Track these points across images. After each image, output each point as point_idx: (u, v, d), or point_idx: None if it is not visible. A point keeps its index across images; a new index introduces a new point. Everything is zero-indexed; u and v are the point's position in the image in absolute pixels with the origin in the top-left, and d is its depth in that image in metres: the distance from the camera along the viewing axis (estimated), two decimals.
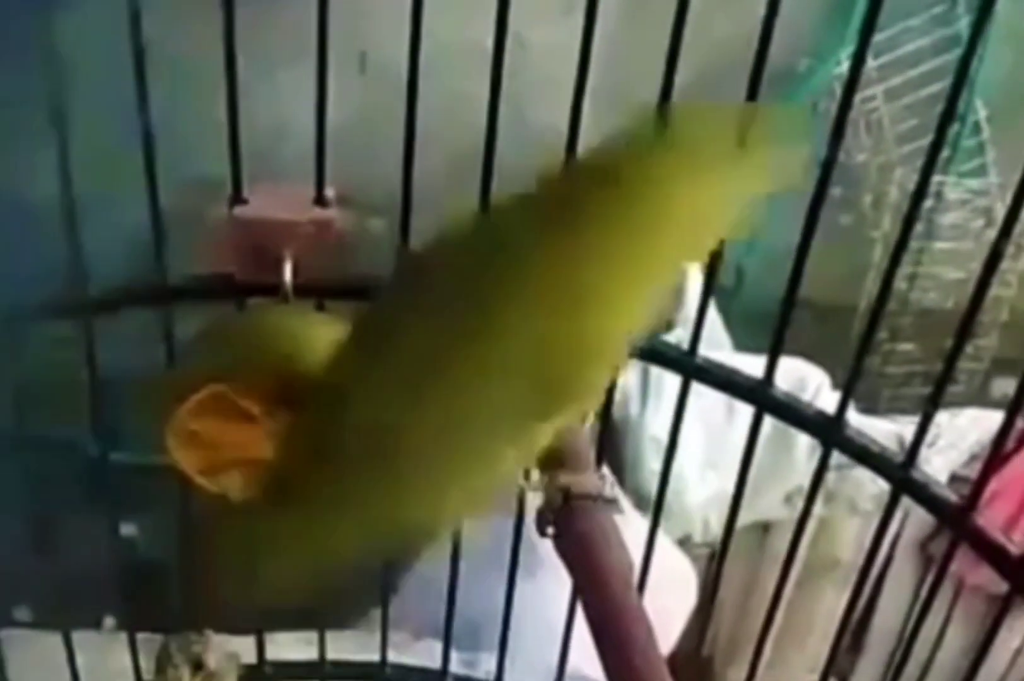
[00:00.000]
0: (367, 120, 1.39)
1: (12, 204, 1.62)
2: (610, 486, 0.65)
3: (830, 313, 1.63)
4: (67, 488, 0.92)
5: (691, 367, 0.81)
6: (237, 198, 0.80)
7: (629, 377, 1.40)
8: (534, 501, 0.66)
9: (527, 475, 0.64)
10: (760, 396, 0.80)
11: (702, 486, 1.48)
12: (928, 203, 1.73)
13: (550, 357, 0.54)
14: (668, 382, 0.91)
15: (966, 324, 0.72)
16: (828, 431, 0.79)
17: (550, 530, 0.65)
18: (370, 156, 1.33)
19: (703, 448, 1.49)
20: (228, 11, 0.73)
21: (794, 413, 0.80)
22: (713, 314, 1.43)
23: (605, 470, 0.71)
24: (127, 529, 1.08)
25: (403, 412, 0.54)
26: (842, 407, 0.78)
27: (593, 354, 0.55)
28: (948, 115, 0.69)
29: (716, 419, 1.47)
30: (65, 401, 1.00)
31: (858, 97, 1.59)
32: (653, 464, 1.42)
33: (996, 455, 0.75)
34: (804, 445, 1.48)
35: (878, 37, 1.69)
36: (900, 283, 1.78)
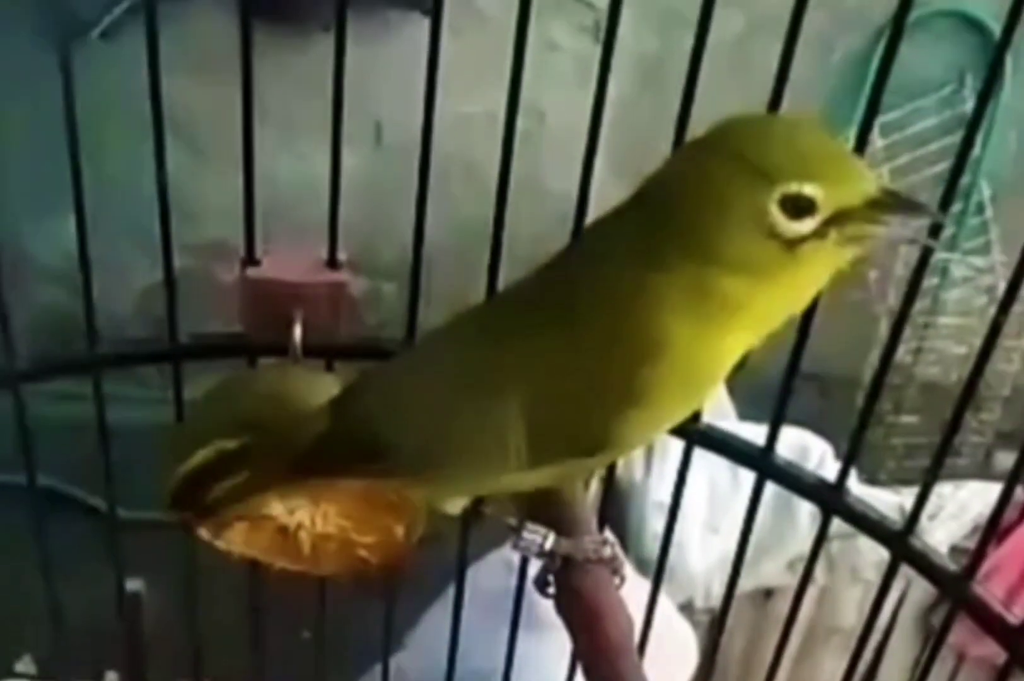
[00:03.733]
0: (382, 187, 1.41)
1: (22, 262, 1.65)
2: (611, 549, 0.66)
3: (836, 386, 1.64)
4: (74, 542, 0.93)
5: (695, 433, 0.81)
6: (250, 259, 0.81)
7: None
8: (536, 560, 0.67)
9: (524, 536, 0.65)
10: (762, 463, 0.81)
11: (705, 551, 1.48)
12: (933, 280, 1.75)
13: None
14: (673, 448, 0.92)
15: (966, 397, 0.73)
16: (828, 498, 0.79)
17: (550, 590, 0.66)
18: (384, 223, 1.35)
19: (707, 514, 1.49)
20: (246, 78, 0.75)
21: (795, 480, 0.81)
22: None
23: (608, 533, 0.71)
24: (132, 584, 1.08)
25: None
26: (843, 474, 0.79)
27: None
28: (949, 195, 0.71)
29: (720, 485, 1.47)
30: (74, 457, 1.01)
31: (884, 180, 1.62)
32: (657, 528, 1.42)
33: (995, 525, 0.76)
34: (807, 512, 1.48)
35: (887, 117, 1.73)
36: (905, 357, 1.80)
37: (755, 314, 0.55)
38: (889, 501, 1.30)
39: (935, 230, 0.71)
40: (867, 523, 0.78)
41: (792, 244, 0.53)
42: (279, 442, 0.65)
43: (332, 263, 0.82)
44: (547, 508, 0.67)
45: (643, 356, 0.55)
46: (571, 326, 0.56)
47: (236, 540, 0.75)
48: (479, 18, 1.62)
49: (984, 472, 1.76)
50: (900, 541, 0.77)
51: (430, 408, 0.61)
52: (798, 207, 0.53)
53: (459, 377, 0.60)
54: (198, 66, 1.48)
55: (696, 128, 0.71)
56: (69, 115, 0.74)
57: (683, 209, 0.54)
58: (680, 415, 0.60)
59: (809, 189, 0.52)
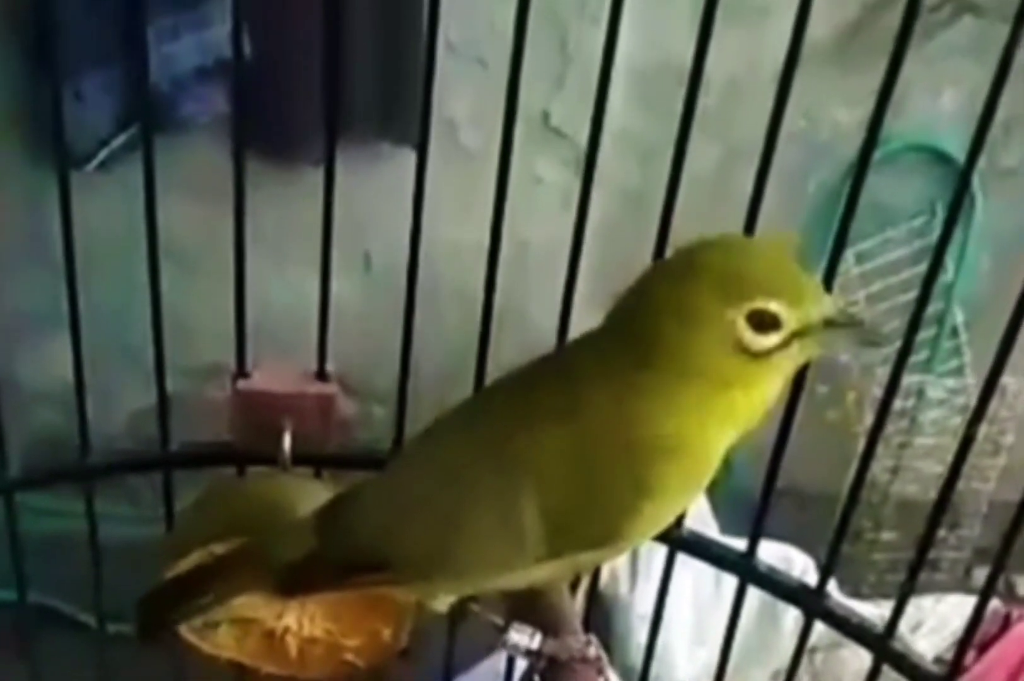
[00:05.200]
0: (373, 314, 1.44)
1: (16, 387, 1.67)
2: (596, 649, 0.67)
3: (817, 504, 1.65)
4: (63, 658, 0.93)
5: (678, 539, 0.83)
6: (240, 371, 0.84)
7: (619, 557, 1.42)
8: (521, 660, 0.67)
9: (511, 635, 0.66)
10: (744, 567, 0.83)
11: (691, 663, 1.48)
12: (910, 401, 1.80)
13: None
14: (657, 562, 0.93)
15: (937, 513, 0.77)
16: (810, 602, 0.81)
17: None
18: (375, 348, 1.37)
19: (692, 625, 1.49)
20: (239, 210, 0.79)
21: (777, 584, 0.83)
22: (701, 499, 1.45)
23: (592, 636, 0.72)
24: None
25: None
26: (823, 578, 0.81)
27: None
28: (916, 319, 0.75)
29: (704, 597, 1.48)
30: (64, 573, 1.01)
31: (842, 301, 1.66)
32: (641, 639, 1.41)
33: (972, 632, 0.77)
34: (790, 623, 1.49)
35: (862, 246, 1.77)
36: (883, 475, 1.83)
37: (736, 414, 0.59)
38: (871, 613, 1.30)
39: (906, 350, 0.75)
40: (849, 627, 0.80)
41: (759, 355, 0.57)
42: (267, 550, 0.66)
43: (321, 375, 0.84)
44: (533, 608, 0.68)
45: (658, 454, 0.58)
46: (577, 425, 0.59)
47: (223, 644, 0.75)
48: (465, 153, 1.67)
49: (964, 587, 1.78)
50: (882, 644, 0.78)
51: (437, 511, 0.62)
52: (764, 323, 0.56)
53: (464, 478, 0.61)
54: (193, 196, 1.52)
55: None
56: (67, 245, 0.78)
57: (656, 326, 0.57)
58: (683, 506, 0.64)
59: (774, 306, 0.56)
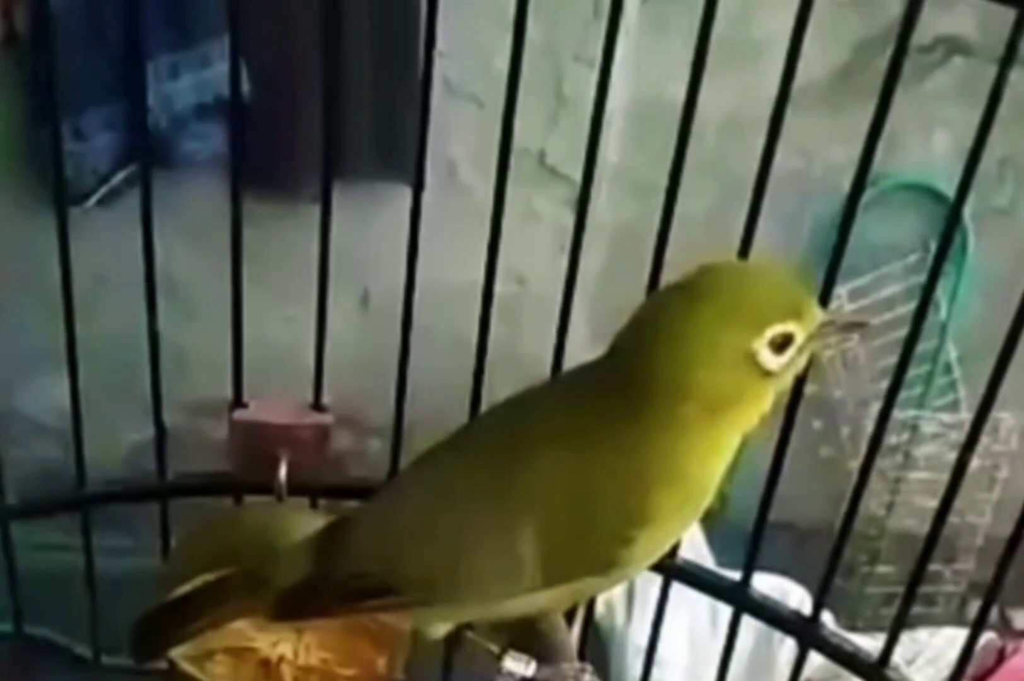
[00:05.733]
0: (370, 351, 1.45)
1: (13, 420, 1.67)
2: (589, 675, 0.67)
3: (814, 540, 1.66)
4: None
5: (673, 568, 0.83)
6: (237, 402, 0.84)
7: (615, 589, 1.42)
8: None
9: (506, 663, 0.66)
10: (739, 596, 0.83)
11: None
12: (905, 436, 1.80)
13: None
14: (653, 593, 0.93)
15: (930, 544, 0.78)
16: (805, 631, 0.81)
17: None
18: (372, 382, 1.38)
19: (688, 660, 1.49)
20: (236, 247, 0.80)
21: (772, 613, 0.83)
22: (697, 532, 1.45)
23: (587, 664, 0.72)
24: None
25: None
26: (817, 607, 0.81)
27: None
28: (905, 359, 0.76)
29: (700, 633, 1.48)
30: (61, 606, 1.01)
31: (835, 339, 1.66)
32: (637, 672, 1.41)
33: (966, 660, 0.78)
34: (786, 656, 1.48)
35: (856, 283, 1.79)
36: (879, 510, 1.83)
37: (738, 428, 0.60)
38: (867, 645, 1.30)
39: (896, 385, 0.76)
40: (843, 656, 0.80)
41: (771, 373, 0.58)
42: (263, 575, 0.66)
43: (317, 406, 0.85)
44: (528, 636, 0.69)
45: (654, 483, 0.58)
46: (575, 451, 0.59)
47: (219, 673, 0.75)
48: (465, 192, 1.68)
49: (959, 620, 1.78)
50: (876, 672, 0.79)
51: (435, 537, 0.62)
52: (780, 343, 0.58)
53: (462, 503, 0.61)
54: (191, 232, 1.53)
55: None
56: (65, 280, 0.78)
57: (658, 353, 0.58)
58: (679, 533, 0.65)
59: (791, 327, 0.58)
